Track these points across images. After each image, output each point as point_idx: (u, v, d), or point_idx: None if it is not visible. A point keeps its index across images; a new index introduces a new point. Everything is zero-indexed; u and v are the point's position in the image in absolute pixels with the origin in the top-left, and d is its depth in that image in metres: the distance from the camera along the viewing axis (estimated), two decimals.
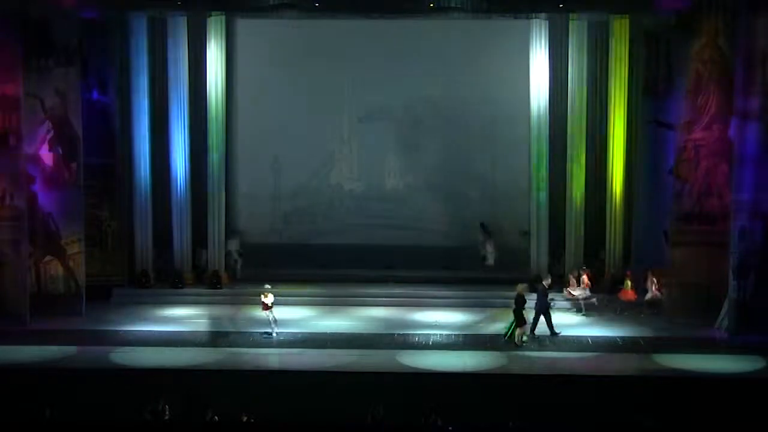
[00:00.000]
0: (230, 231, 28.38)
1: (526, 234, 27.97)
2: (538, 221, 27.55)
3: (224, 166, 28.09)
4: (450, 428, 16.42)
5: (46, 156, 25.35)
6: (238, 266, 28.21)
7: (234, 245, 28.32)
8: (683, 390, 20.10)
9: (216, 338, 23.53)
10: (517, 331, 22.93)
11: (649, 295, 25.39)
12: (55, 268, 25.49)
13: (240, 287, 27.42)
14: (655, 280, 25.34)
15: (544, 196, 27.42)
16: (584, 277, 25.97)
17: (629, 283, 25.83)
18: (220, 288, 27.32)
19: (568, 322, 25.19)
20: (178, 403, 17.94)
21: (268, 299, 23.38)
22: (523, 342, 22.89)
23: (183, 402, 18.21)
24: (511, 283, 25.60)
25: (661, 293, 25.31)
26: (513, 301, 23.21)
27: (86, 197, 26.29)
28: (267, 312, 23.37)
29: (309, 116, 28.98)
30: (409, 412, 17.71)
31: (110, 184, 27.19)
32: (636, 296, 25.73)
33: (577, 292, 25.91)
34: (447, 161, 29.01)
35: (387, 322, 24.97)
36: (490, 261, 27.91)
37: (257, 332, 23.73)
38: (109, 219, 27.22)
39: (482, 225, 28.39)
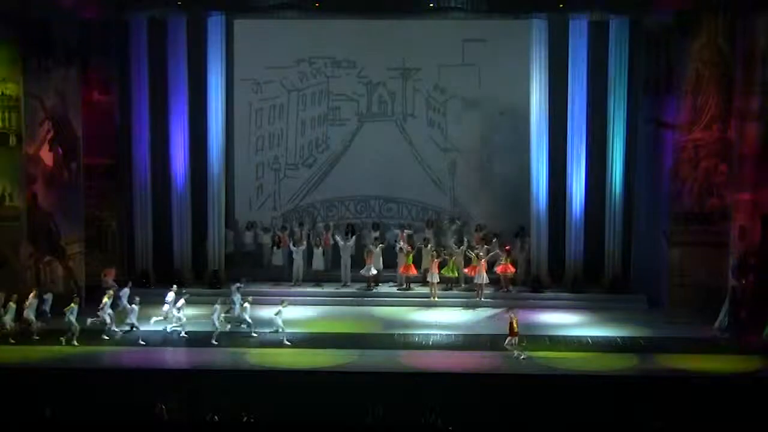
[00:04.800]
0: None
1: (454, 222, 28.12)
2: (538, 221, 27.54)
3: (224, 166, 28.07)
4: (450, 428, 16.43)
5: (46, 156, 25.35)
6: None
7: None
8: (683, 390, 20.10)
9: (216, 338, 23.49)
10: None
11: None
12: (55, 268, 25.49)
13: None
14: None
15: (544, 196, 27.42)
16: None
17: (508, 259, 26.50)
18: (220, 288, 27.29)
19: (567, 321, 25.23)
20: (178, 403, 17.95)
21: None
22: None
23: (183, 402, 18.22)
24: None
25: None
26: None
27: (86, 197, 26.32)
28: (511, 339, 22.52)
29: (308, 116, 29.01)
30: (409, 412, 17.72)
31: (110, 184, 27.20)
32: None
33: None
34: (447, 161, 28.99)
35: (387, 322, 24.96)
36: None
37: (257, 332, 23.74)
38: (109, 219, 27.23)
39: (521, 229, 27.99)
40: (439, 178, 29.03)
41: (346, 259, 27.48)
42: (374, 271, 27.23)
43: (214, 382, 20.43)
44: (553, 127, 27.40)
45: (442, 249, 27.14)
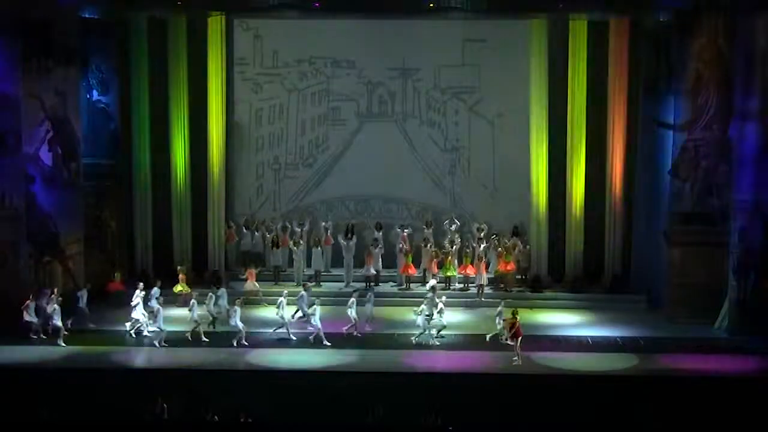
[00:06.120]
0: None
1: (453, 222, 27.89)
2: (538, 221, 27.54)
3: (224, 166, 28.08)
4: (450, 428, 16.43)
5: (46, 156, 25.33)
6: None
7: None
8: (683, 390, 20.10)
9: (216, 338, 23.49)
10: None
11: None
12: (55, 268, 25.47)
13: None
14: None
15: (544, 196, 27.42)
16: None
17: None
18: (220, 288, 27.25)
19: (567, 321, 25.23)
20: (178, 403, 17.95)
21: None
22: None
23: (183, 402, 18.22)
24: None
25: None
26: None
27: (86, 197, 26.32)
28: None
29: (308, 116, 29.03)
30: (409, 412, 17.72)
31: (110, 184, 27.22)
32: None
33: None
34: (447, 161, 29.00)
35: (387, 322, 24.96)
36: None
37: (256, 332, 23.71)
38: (109, 219, 27.23)
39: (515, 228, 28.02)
40: (439, 178, 29.04)
41: (348, 260, 27.44)
42: (374, 271, 27.25)
43: (214, 382, 20.43)
44: (553, 127, 27.41)
45: (441, 249, 27.16)
